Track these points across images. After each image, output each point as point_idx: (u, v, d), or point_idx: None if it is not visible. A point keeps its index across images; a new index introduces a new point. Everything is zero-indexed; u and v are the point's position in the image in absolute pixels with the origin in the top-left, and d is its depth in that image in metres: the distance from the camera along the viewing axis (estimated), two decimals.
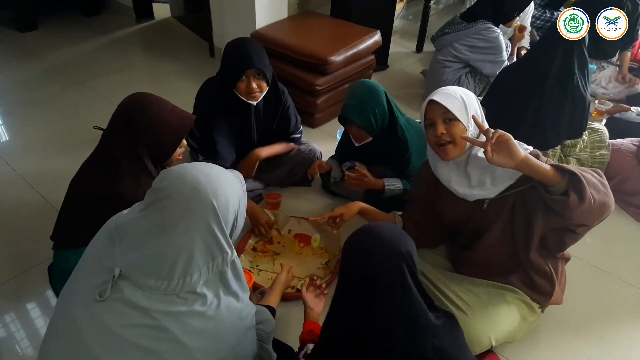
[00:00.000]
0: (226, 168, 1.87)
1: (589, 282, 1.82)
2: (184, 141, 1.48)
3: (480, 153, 1.35)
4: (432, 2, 3.53)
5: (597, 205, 1.23)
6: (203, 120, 1.91)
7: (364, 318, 0.91)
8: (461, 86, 2.73)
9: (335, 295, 0.98)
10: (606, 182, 1.28)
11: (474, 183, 1.40)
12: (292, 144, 2.11)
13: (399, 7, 4.23)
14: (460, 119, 1.35)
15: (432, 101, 1.37)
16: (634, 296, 1.80)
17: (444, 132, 1.36)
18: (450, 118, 1.36)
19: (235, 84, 1.81)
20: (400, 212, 1.73)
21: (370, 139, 1.87)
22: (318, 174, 2.21)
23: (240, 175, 1.10)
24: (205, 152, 1.92)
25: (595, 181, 1.24)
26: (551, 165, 1.25)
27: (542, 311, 1.52)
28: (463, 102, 1.36)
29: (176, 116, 1.41)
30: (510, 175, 1.36)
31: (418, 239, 1.60)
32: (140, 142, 1.37)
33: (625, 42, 2.94)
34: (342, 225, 1.75)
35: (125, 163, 1.37)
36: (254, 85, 1.80)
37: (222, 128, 1.89)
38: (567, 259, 1.56)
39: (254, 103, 1.86)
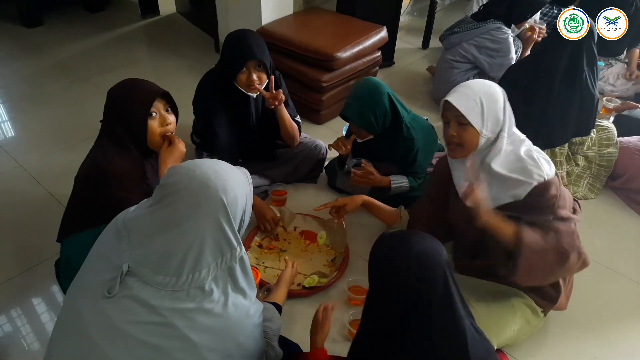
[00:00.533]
0: (228, 162, 1.86)
1: (596, 281, 1.81)
2: (168, 121, 1.43)
3: (494, 163, 1.34)
4: None
5: (526, 282, 1.35)
6: (204, 113, 1.90)
7: (404, 321, 0.89)
8: None
9: (369, 307, 0.96)
10: (569, 264, 1.33)
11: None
12: (296, 129, 2.04)
13: (405, 2, 4.20)
14: (473, 124, 1.32)
15: (448, 101, 1.34)
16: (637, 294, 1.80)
17: (455, 134, 1.35)
18: (463, 122, 1.33)
19: (236, 76, 1.80)
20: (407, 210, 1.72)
21: (369, 137, 1.87)
22: (324, 172, 2.21)
23: (247, 172, 1.10)
24: (207, 147, 1.92)
25: (541, 267, 1.31)
26: (515, 231, 1.29)
27: (545, 315, 1.51)
28: (481, 107, 1.31)
29: (146, 90, 1.41)
30: (511, 195, 1.35)
31: (418, 220, 1.61)
32: (114, 118, 1.40)
33: (633, 39, 2.91)
34: (344, 215, 1.74)
35: (108, 142, 1.40)
36: (255, 77, 1.79)
37: (222, 121, 1.88)
38: None
39: (254, 95, 1.85)
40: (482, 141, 1.34)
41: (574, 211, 1.46)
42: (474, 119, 1.32)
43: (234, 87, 1.83)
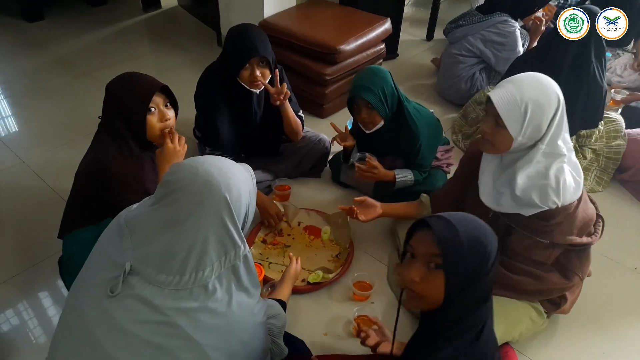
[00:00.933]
0: (231, 157, 1.83)
1: (604, 275, 1.79)
2: (167, 117, 1.41)
3: (520, 173, 1.28)
4: None
5: None
6: (205, 108, 1.89)
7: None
8: (474, 83, 2.66)
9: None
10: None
11: (498, 185, 1.36)
12: (300, 124, 2.03)
13: None
14: (509, 129, 1.24)
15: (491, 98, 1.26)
16: None
17: (488, 131, 1.29)
18: (500, 123, 1.25)
19: (239, 72, 1.78)
20: None
21: (381, 123, 1.82)
22: (328, 166, 2.20)
23: (250, 169, 1.09)
24: (209, 142, 1.91)
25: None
26: None
27: (548, 317, 1.50)
28: (524, 114, 1.22)
29: (145, 84, 1.39)
30: (518, 210, 1.32)
31: (440, 209, 1.57)
32: (113, 112, 1.39)
33: (636, 29, 2.85)
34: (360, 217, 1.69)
35: (107, 137, 1.38)
36: (258, 73, 1.77)
37: (224, 116, 1.87)
38: (587, 275, 1.52)
39: (257, 91, 1.83)
40: (514, 145, 1.27)
41: (594, 230, 1.40)
42: (511, 125, 1.23)
43: (237, 83, 1.81)
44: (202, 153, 2.00)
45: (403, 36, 3.42)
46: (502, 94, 1.24)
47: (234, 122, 1.91)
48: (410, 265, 0.95)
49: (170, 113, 1.45)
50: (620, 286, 1.78)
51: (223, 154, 1.84)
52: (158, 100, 1.40)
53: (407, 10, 3.96)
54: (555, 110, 1.25)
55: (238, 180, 0.98)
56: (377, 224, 1.85)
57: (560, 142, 1.28)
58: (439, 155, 2.06)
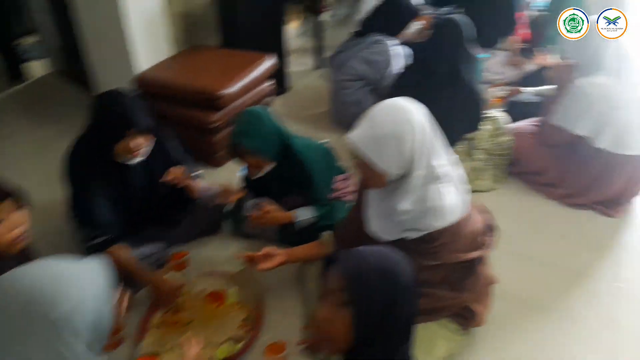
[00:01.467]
0: (113, 236, 1.60)
1: (513, 269, 1.79)
2: (15, 225, 1.23)
3: (401, 199, 1.27)
4: (322, 18, 3.51)
5: None
6: (78, 186, 1.70)
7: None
8: (363, 106, 2.65)
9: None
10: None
11: (382, 214, 1.34)
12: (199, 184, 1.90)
13: (295, 25, 4.20)
14: (374, 165, 1.23)
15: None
16: (558, 274, 1.81)
17: (360, 170, 1.29)
18: (366, 161, 1.24)
19: (113, 146, 1.62)
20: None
21: (267, 167, 1.75)
22: (225, 219, 2.05)
23: (105, 261, 0.94)
24: (84, 223, 1.70)
25: None
26: None
27: (465, 333, 1.46)
28: (380, 148, 1.21)
29: None
30: (400, 235, 1.30)
31: (344, 242, 1.49)
32: None
33: (503, 29, 3.05)
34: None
35: None
36: (135, 144, 1.61)
37: (100, 192, 1.68)
38: (492, 284, 1.51)
39: (134, 161, 1.67)
40: (389, 177, 1.26)
41: (483, 242, 1.39)
42: (375, 161, 1.23)
43: (111, 154, 1.65)
44: (80, 236, 1.77)
45: (294, 67, 3.41)
46: (356, 134, 1.25)
47: (111, 197, 1.72)
48: (318, 307, 0.87)
49: (21, 216, 1.26)
50: (531, 278, 1.79)
51: (101, 234, 1.65)
52: (3, 207, 1.21)
53: (297, 41, 3.99)
54: (412, 137, 1.23)
55: (74, 288, 0.83)
56: (284, 275, 1.73)
57: (435, 163, 1.28)
58: (338, 185, 2.01)
